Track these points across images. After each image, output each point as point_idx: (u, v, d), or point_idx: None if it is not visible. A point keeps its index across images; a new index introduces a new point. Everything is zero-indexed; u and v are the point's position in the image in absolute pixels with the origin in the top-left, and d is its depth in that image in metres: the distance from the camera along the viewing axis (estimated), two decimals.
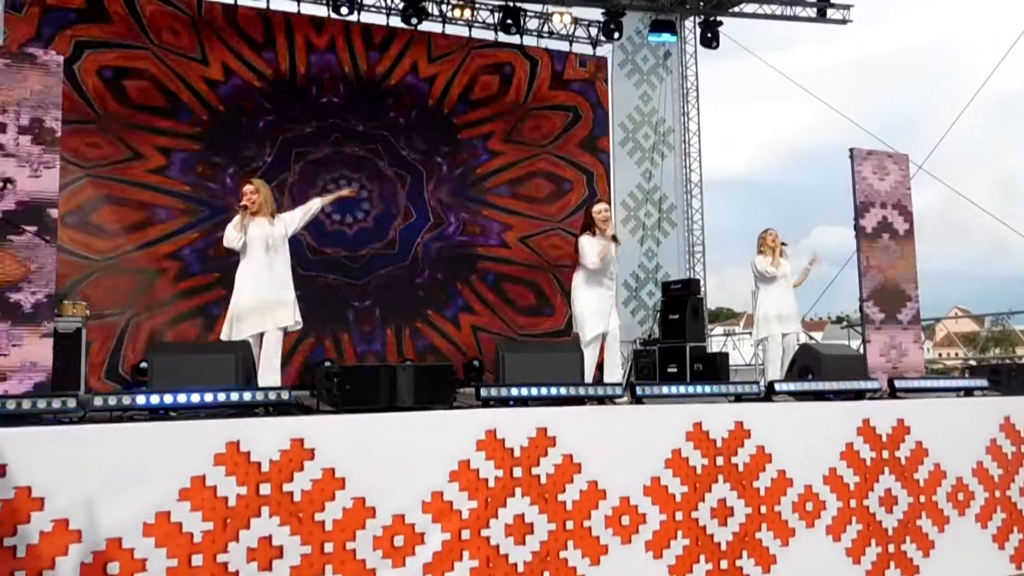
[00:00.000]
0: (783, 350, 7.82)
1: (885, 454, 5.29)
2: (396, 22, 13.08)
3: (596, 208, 6.95)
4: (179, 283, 11.33)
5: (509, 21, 13.61)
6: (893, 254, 7.16)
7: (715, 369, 10.61)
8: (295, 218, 6.43)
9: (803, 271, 8.37)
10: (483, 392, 4.64)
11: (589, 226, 6.88)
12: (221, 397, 4.12)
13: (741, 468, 4.89)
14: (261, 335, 6.10)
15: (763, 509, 4.91)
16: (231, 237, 6.11)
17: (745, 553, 4.83)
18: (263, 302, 6.09)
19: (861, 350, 7.48)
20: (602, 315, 6.76)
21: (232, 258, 6.38)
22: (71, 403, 3.89)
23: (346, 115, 12.63)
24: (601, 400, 4.90)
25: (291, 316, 6.21)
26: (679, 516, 4.71)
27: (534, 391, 4.71)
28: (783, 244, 8.11)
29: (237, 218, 6.12)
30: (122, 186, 11.15)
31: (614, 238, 6.79)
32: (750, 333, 9.61)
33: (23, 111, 5.01)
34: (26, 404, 3.85)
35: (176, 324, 11.22)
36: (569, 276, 7.18)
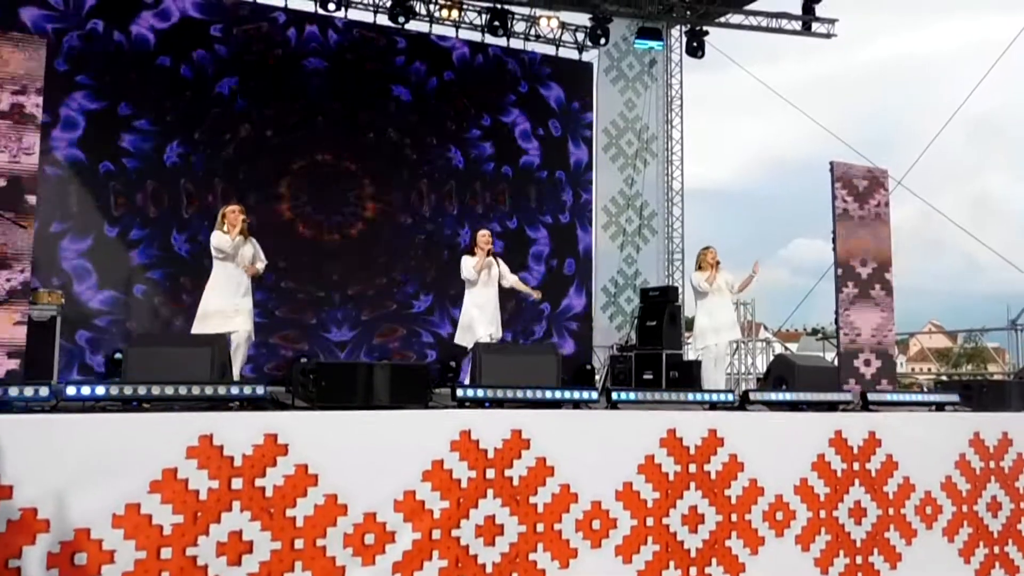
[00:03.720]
0: (715, 359, 8.32)
1: (856, 466, 5.33)
2: (383, 20, 13.05)
3: (480, 232, 7.96)
4: None
5: (496, 23, 13.62)
6: (870, 267, 7.21)
7: (691, 377, 10.60)
8: (258, 249, 6.92)
9: (746, 278, 8.51)
10: (459, 393, 4.64)
11: (471, 248, 7.96)
12: (195, 390, 4.11)
13: (713, 476, 4.92)
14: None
15: (734, 517, 4.94)
16: (225, 244, 6.56)
17: (714, 560, 4.86)
18: (227, 308, 6.56)
19: (835, 362, 7.53)
20: (486, 323, 7.68)
21: None
22: (43, 391, 3.86)
23: (333, 107, 12.59)
24: (577, 404, 4.91)
25: (250, 324, 6.72)
26: (650, 522, 4.73)
27: (510, 393, 4.73)
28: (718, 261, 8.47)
29: (233, 236, 6.56)
30: None
31: (492, 253, 7.79)
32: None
33: (3, 95, 4.92)
34: None
35: None
36: None
